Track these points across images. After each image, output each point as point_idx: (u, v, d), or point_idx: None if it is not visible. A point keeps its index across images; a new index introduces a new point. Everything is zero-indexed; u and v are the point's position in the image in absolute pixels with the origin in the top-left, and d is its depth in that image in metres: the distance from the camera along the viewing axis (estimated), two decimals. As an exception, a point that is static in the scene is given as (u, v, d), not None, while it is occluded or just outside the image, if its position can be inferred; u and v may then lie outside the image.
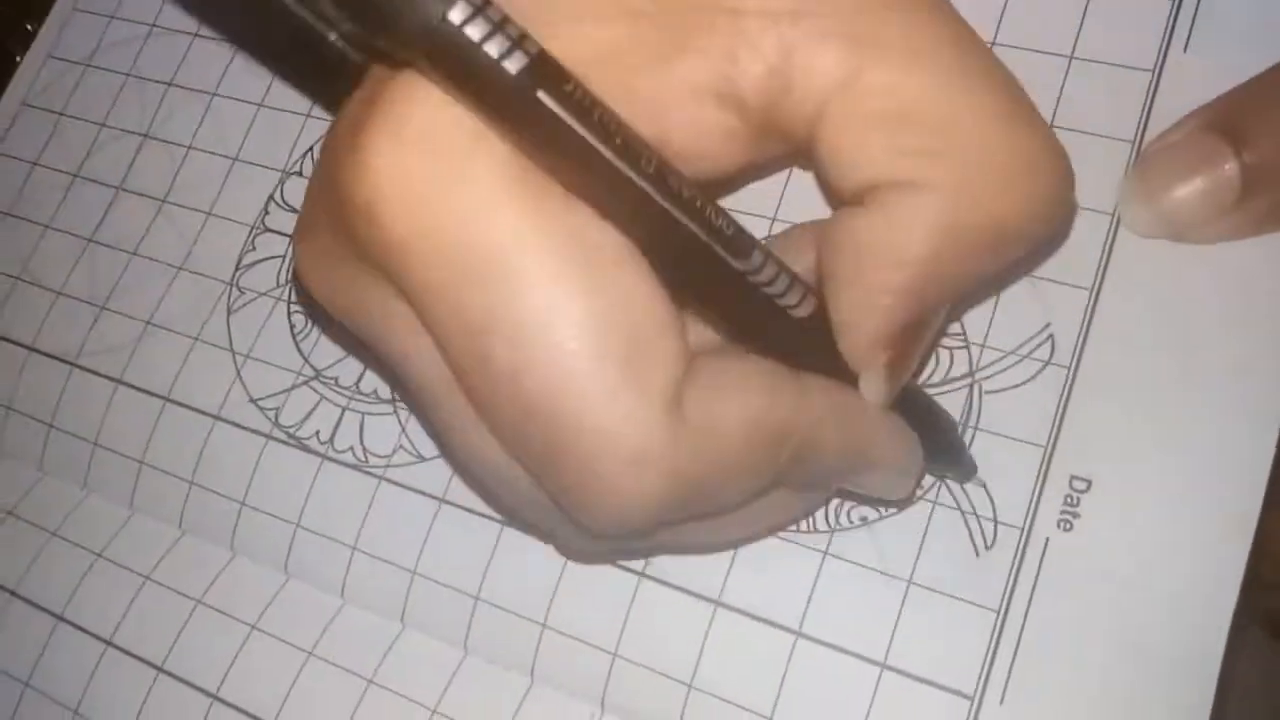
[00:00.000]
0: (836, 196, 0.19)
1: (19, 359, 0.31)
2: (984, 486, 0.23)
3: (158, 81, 0.33)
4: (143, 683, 0.26)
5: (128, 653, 0.27)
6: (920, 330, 0.19)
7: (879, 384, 0.19)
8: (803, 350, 0.19)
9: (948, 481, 0.23)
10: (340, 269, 0.18)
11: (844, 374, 0.19)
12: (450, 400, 0.18)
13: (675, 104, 0.17)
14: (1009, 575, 0.22)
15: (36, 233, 0.32)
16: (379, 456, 0.27)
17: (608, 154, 0.16)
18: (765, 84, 0.17)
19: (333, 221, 0.18)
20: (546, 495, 0.18)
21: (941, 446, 0.22)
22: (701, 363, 0.18)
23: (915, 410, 0.21)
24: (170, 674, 0.26)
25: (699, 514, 0.19)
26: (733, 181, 0.24)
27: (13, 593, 0.28)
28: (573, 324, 0.16)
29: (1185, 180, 0.22)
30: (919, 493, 0.23)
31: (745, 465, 0.18)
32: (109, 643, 0.27)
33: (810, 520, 0.23)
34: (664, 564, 0.24)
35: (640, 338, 0.17)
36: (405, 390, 0.19)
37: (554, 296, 0.16)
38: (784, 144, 0.19)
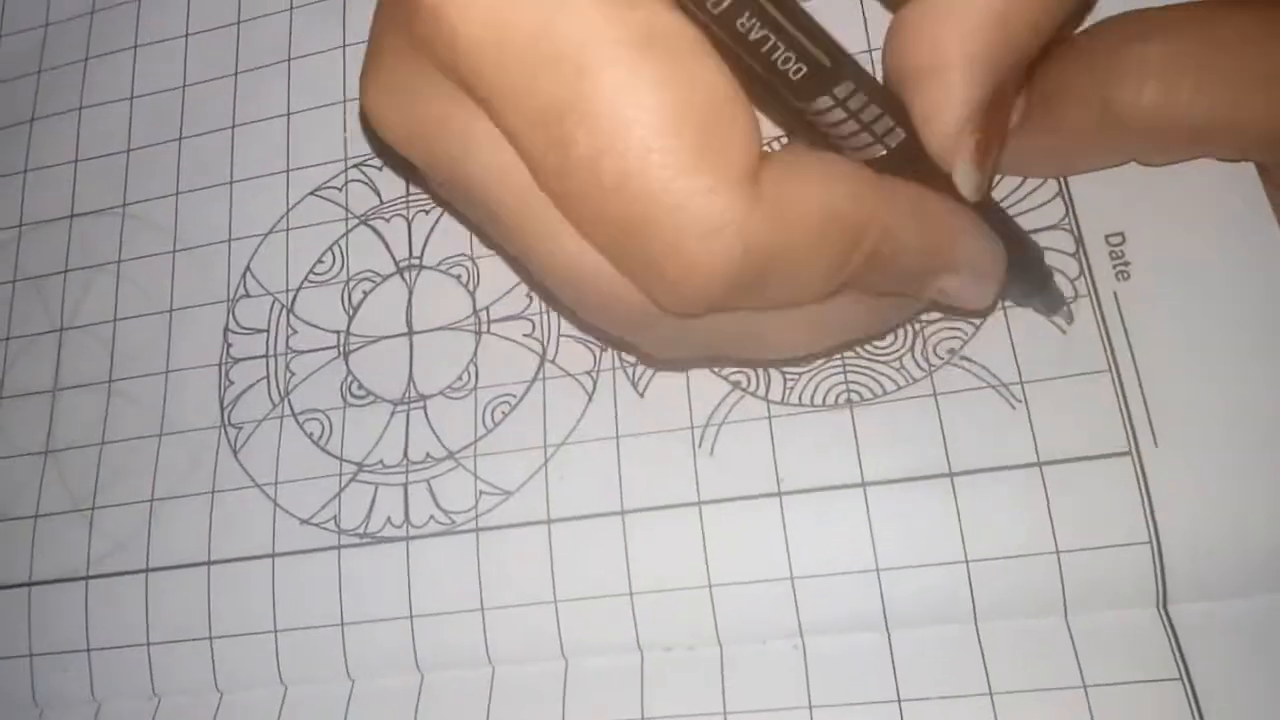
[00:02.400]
0: None
1: (21, 601, 0.28)
2: (1072, 318, 0.24)
3: (51, 274, 0.31)
4: None
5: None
6: (1000, 105, 0.20)
7: (971, 171, 0.20)
8: (896, 159, 0.20)
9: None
10: (409, 98, 0.19)
11: (936, 184, 0.20)
12: (529, 208, 0.19)
13: None
14: (1101, 334, 0.23)
15: (-21, 471, 0.29)
16: (463, 512, 0.25)
17: None
18: None
19: (401, 39, 0.18)
20: (628, 284, 0.19)
21: (1029, 273, 0.23)
22: (785, 154, 0.19)
23: (999, 222, 0.22)
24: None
25: (772, 299, 0.20)
26: None
27: (124, 835, 0.25)
28: (648, 105, 0.17)
29: None
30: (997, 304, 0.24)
31: (820, 249, 0.19)
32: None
33: (906, 374, 0.24)
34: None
35: (713, 119, 0.17)
36: (484, 217, 0.20)
37: (628, 80, 0.17)
38: None
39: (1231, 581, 0.21)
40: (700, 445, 0.25)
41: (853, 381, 0.24)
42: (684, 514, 0.24)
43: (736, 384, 0.25)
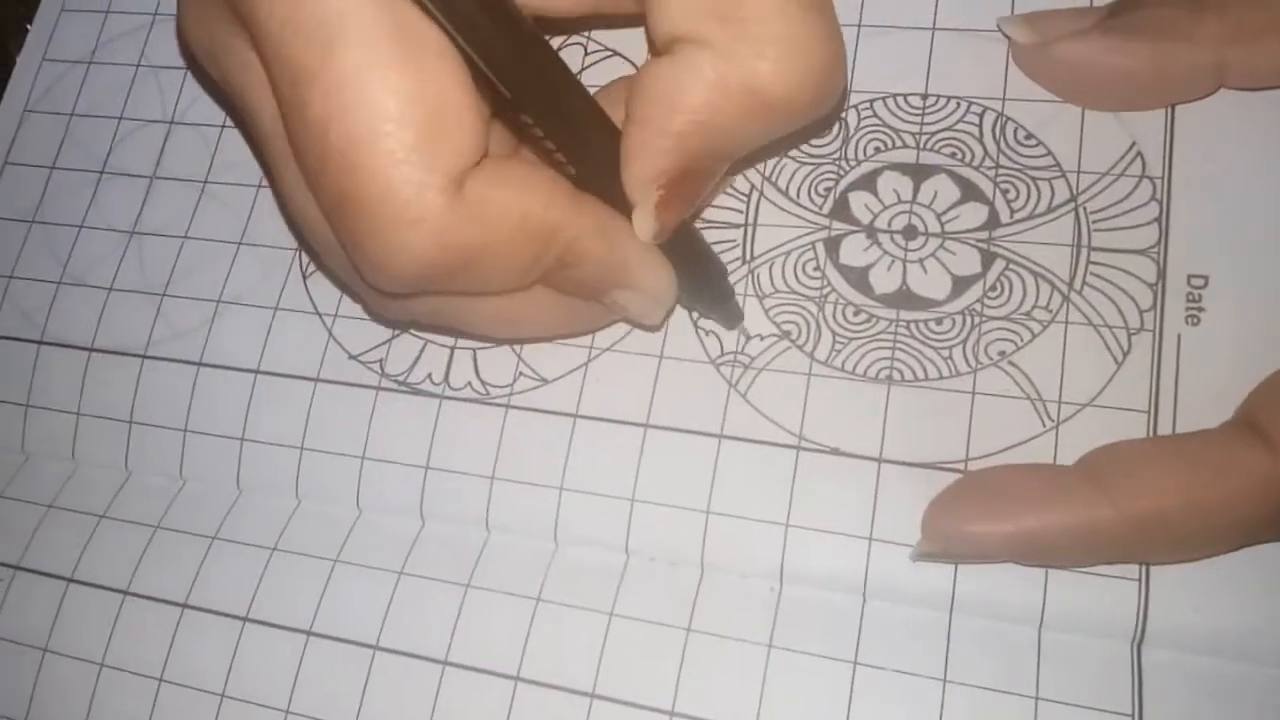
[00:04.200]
0: (650, 48, 0.22)
1: (79, 362, 0.30)
2: (748, 335, 0.25)
3: (173, 68, 0.32)
4: (294, 651, 0.25)
5: (271, 624, 0.26)
6: (693, 179, 0.22)
7: (648, 219, 0.22)
8: (589, 180, 0.22)
9: (1072, 298, 0.24)
10: (214, 22, 0.21)
11: (623, 208, 0.22)
12: (282, 149, 0.21)
13: None
14: (1152, 372, 0.23)
15: (69, 234, 0.31)
16: (500, 387, 0.27)
17: None
18: None
19: None
20: (342, 248, 0.21)
21: (711, 290, 0.25)
22: (495, 161, 0.21)
23: (690, 254, 0.24)
24: (322, 635, 0.25)
25: (467, 287, 0.22)
26: (581, 24, 0.28)
27: (126, 592, 0.27)
28: (382, 89, 0.19)
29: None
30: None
31: (511, 250, 0.21)
32: (245, 618, 0.26)
33: (951, 365, 0.24)
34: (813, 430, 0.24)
35: (440, 118, 0.19)
36: (253, 140, 0.23)
37: (371, 61, 0.18)
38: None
39: (1209, 641, 0.22)
40: (736, 384, 0.25)
41: (898, 359, 0.24)
42: (703, 442, 0.25)
43: (787, 334, 0.25)
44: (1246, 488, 0.20)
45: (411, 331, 0.28)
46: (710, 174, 0.22)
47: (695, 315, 0.26)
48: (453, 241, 0.20)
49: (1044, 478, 0.22)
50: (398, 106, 0.19)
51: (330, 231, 0.21)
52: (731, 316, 0.25)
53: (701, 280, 0.25)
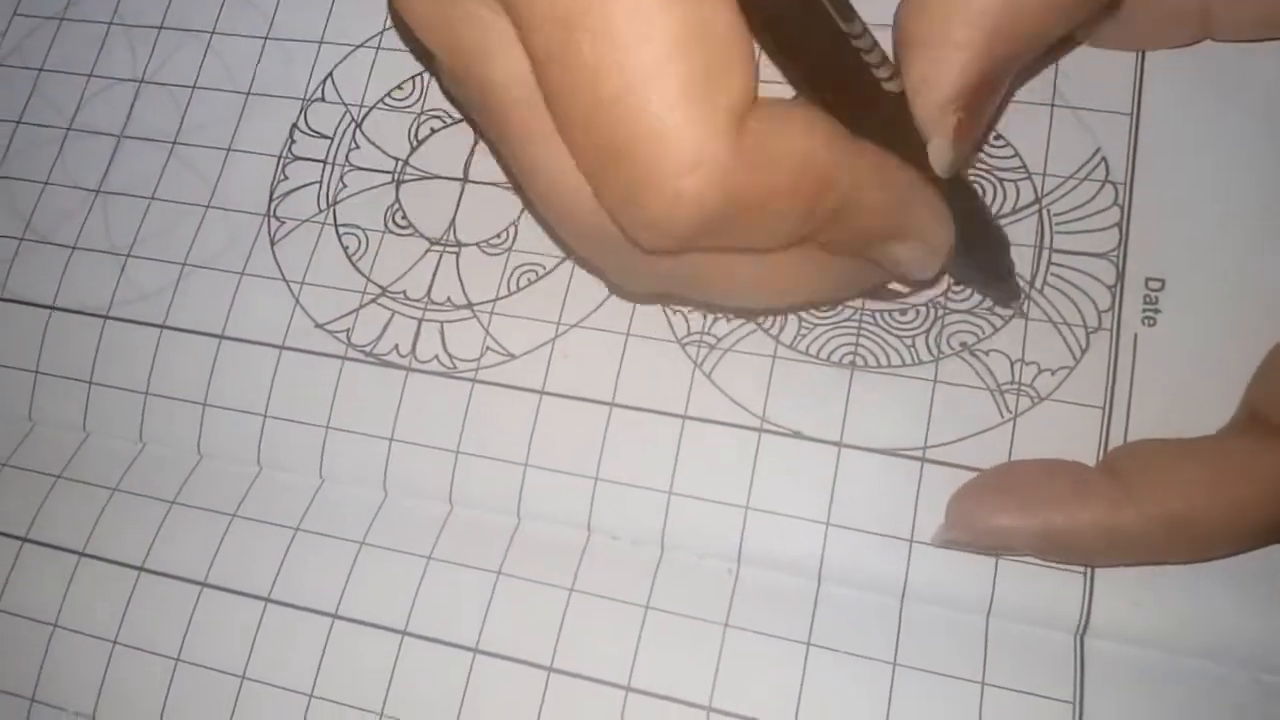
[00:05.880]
0: None
1: (39, 320, 0.29)
2: (1024, 315, 0.24)
3: (146, 26, 0.32)
4: (251, 617, 0.25)
5: (228, 590, 0.26)
6: (990, 92, 0.21)
7: (946, 148, 0.21)
8: (871, 124, 0.20)
9: (1033, 295, 0.24)
10: None
11: (907, 154, 0.21)
12: (528, 116, 0.19)
13: None
14: (1109, 370, 0.24)
15: (34, 190, 0.30)
16: (467, 361, 0.27)
17: None
18: None
19: None
20: (604, 207, 0.19)
21: (991, 260, 0.24)
22: (768, 102, 0.19)
23: (973, 223, 0.23)
24: (280, 602, 0.25)
25: (740, 240, 0.20)
26: None
27: (82, 553, 0.27)
28: (658, 29, 0.17)
29: None
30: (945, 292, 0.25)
31: (794, 195, 0.19)
32: (203, 583, 0.26)
33: (913, 353, 0.25)
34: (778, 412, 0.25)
35: (716, 57, 0.18)
36: (487, 117, 0.21)
37: (642, 3, 0.17)
38: None
39: (1150, 633, 0.22)
40: (701, 364, 0.25)
41: (862, 345, 0.25)
42: (667, 422, 0.25)
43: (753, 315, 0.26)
44: (1271, 488, 0.20)
45: (379, 302, 0.28)
46: (1004, 82, 0.21)
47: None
48: (736, 186, 0.18)
49: (1069, 475, 0.22)
50: (673, 48, 0.17)
51: (585, 200, 0.20)
52: (1009, 292, 0.24)
53: (982, 247, 0.23)
